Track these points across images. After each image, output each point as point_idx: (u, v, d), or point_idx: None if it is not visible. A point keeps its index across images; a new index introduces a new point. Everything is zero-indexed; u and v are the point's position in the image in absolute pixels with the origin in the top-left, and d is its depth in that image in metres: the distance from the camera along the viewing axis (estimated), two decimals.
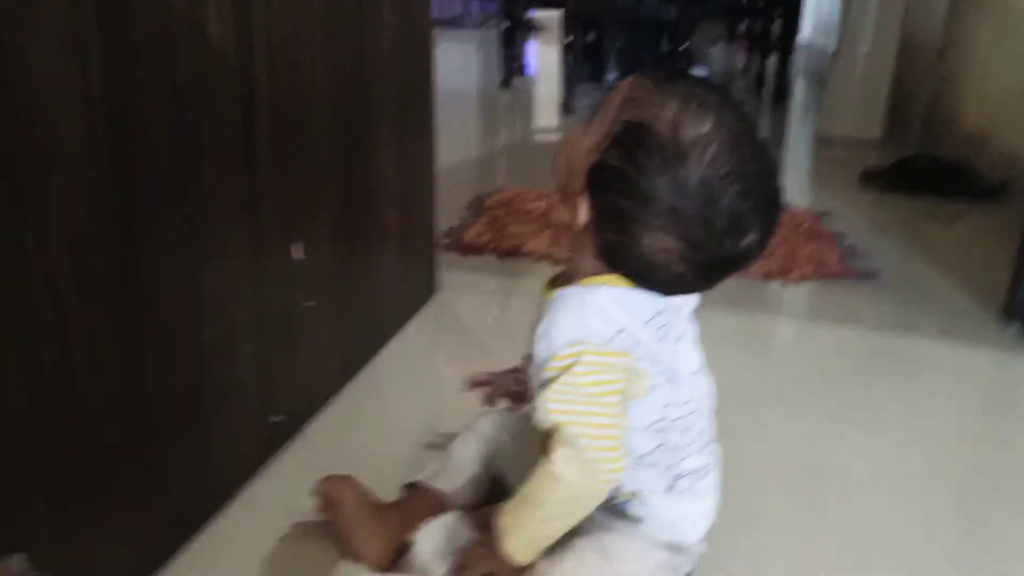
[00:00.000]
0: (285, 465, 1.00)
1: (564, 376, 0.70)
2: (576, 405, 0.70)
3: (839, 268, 1.64)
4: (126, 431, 0.75)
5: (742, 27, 4.70)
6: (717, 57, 5.01)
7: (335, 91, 1.06)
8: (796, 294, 1.57)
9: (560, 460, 0.70)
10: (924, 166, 2.32)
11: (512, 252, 1.67)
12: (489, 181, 2.22)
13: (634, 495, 0.77)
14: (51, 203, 0.64)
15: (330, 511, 0.84)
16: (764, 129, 3.31)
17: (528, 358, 0.78)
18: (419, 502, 0.86)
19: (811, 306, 1.53)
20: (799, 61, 4.52)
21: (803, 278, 1.60)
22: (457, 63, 4.65)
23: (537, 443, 0.79)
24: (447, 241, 1.71)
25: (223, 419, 0.90)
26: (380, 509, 0.85)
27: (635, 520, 0.78)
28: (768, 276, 1.61)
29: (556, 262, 1.53)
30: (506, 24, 3.76)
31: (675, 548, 0.80)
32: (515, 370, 0.91)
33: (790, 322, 1.46)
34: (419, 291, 1.41)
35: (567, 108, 3.19)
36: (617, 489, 0.77)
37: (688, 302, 0.79)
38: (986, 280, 1.54)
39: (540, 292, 0.78)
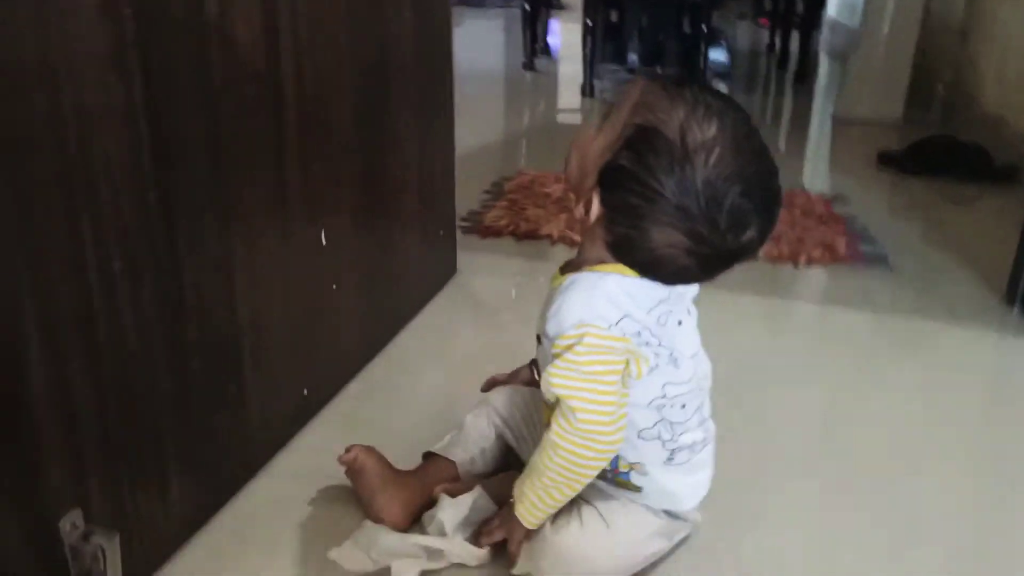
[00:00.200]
0: (314, 434, 1.07)
1: (568, 354, 0.76)
2: (576, 381, 0.76)
3: (848, 252, 1.68)
4: (171, 401, 0.83)
5: (767, 5, 4.66)
6: (740, 36, 4.98)
7: (357, 85, 1.12)
8: (804, 277, 1.61)
9: (559, 430, 0.76)
10: (941, 148, 2.33)
11: (530, 235, 1.72)
12: (510, 164, 2.27)
13: (635, 466, 0.84)
14: (101, 198, 0.72)
15: (354, 477, 0.92)
16: (784, 109, 3.32)
17: (537, 338, 0.84)
18: (435, 470, 0.94)
19: (817, 289, 1.57)
20: (824, 39, 4.48)
21: (811, 262, 1.64)
22: (481, 43, 4.67)
23: (545, 417, 0.86)
24: (467, 224, 1.77)
25: (258, 391, 0.97)
26: (399, 476, 0.92)
27: (635, 490, 0.85)
28: (778, 260, 1.65)
29: (572, 244, 1.58)
30: (528, 4, 3.77)
31: (671, 516, 0.87)
32: (533, 361, 0.97)
33: (796, 304, 1.50)
34: (439, 273, 1.48)
35: (587, 90, 3.21)
36: (619, 460, 0.83)
37: (690, 290, 0.85)
38: (995, 264, 1.56)
39: (552, 278, 0.84)
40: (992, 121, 2.51)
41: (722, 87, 3.51)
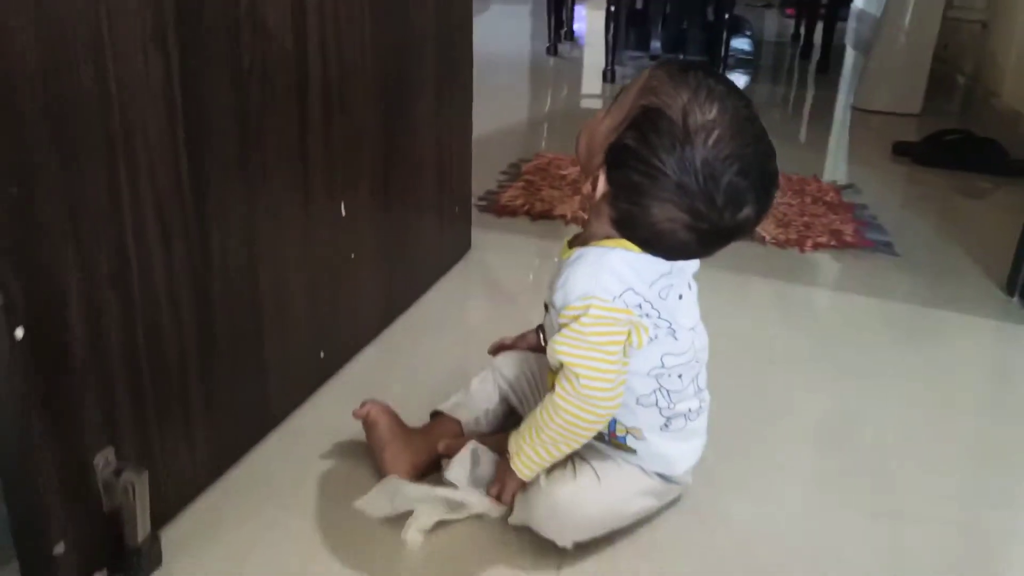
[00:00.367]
0: (330, 395, 1.14)
1: (574, 324, 0.81)
2: (581, 350, 0.81)
3: (854, 239, 1.71)
4: (197, 354, 0.89)
5: None
6: (768, 25, 4.97)
7: (379, 67, 1.17)
8: (808, 262, 1.65)
9: (563, 393, 0.82)
10: (957, 141, 2.35)
11: (544, 215, 1.78)
12: (529, 147, 2.32)
13: (632, 431, 0.89)
14: (139, 166, 0.78)
15: (367, 431, 0.98)
16: (804, 99, 3.33)
17: (545, 307, 0.90)
18: (441, 429, 1.00)
19: (821, 273, 1.61)
20: (851, 31, 4.48)
21: (817, 247, 1.68)
22: (507, 28, 4.70)
23: (548, 380, 0.91)
24: (484, 203, 1.83)
25: (277, 351, 1.03)
26: (408, 433, 0.98)
27: (630, 452, 0.90)
28: (786, 244, 1.70)
29: (583, 224, 1.63)
30: None
31: (663, 478, 0.92)
32: (540, 327, 1.03)
33: (798, 288, 1.54)
34: (454, 248, 1.54)
35: (609, 76, 3.24)
36: (617, 425, 0.89)
37: (691, 266, 0.90)
38: (1001, 255, 1.58)
39: (560, 251, 0.90)
40: (1010, 116, 2.51)
41: (744, 75, 3.53)
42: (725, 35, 3.00)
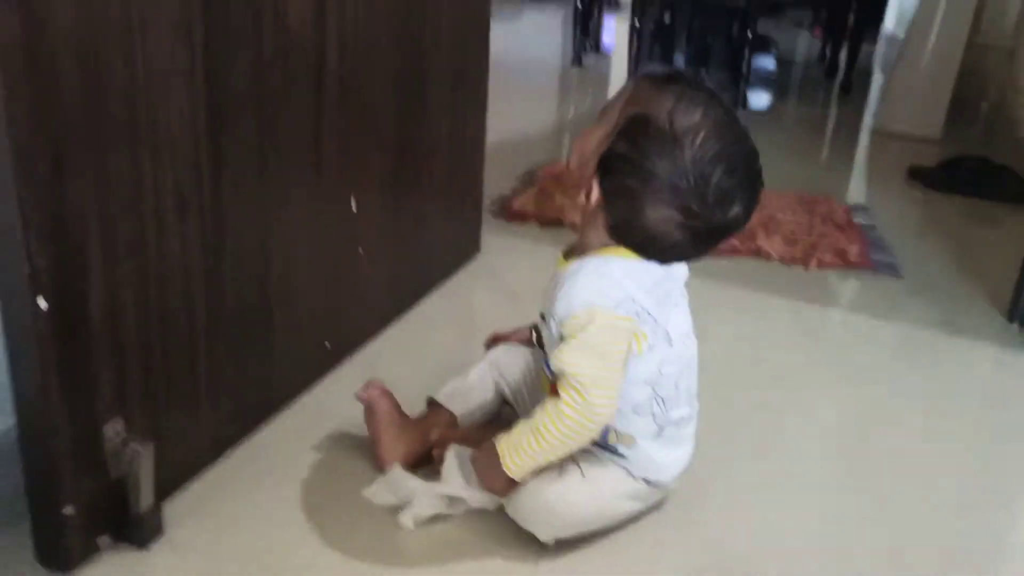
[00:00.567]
0: (333, 384, 1.18)
1: (579, 334, 0.84)
2: (586, 359, 0.84)
3: (859, 259, 1.73)
4: (206, 334, 0.94)
5: (823, 16, 4.66)
6: (798, 44, 4.98)
7: (395, 66, 1.22)
8: (811, 279, 1.67)
9: (570, 402, 0.84)
10: (973, 167, 2.35)
11: (554, 222, 1.81)
12: (545, 155, 2.35)
13: (624, 437, 0.91)
14: (161, 150, 0.83)
15: (367, 413, 1.01)
16: (826, 119, 3.34)
17: (541, 316, 0.93)
18: (436, 419, 1.03)
19: (822, 291, 1.62)
20: (880, 54, 4.47)
21: (822, 265, 1.71)
22: (537, 36, 4.74)
23: (542, 379, 0.94)
24: (496, 208, 1.87)
25: (284, 337, 1.08)
26: (406, 422, 1.01)
27: (621, 457, 0.93)
28: (791, 261, 1.72)
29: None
30: (580, 1, 3.83)
31: (649, 482, 0.94)
32: (534, 325, 1.06)
33: (799, 304, 1.55)
34: (462, 249, 1.58)
35: None
36: (611, 431, 0.91)
37: (682, 275, 0.94)
38: (1006, 282, 1.58)
39: (556, 262, 0.93)
40: None
41: (766, 92, 3.55)
42: (747, 52, 3.02)
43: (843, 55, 3.64)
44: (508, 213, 1.85)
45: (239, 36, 0.90)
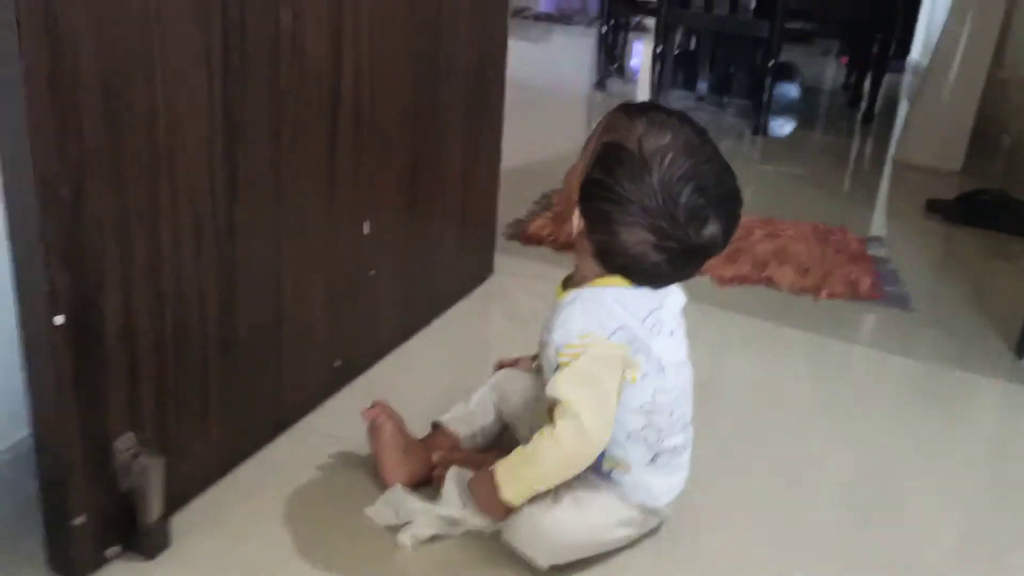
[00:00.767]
0: (341, 402, 1.20)
1: (575, 363, 0.87)
2: (582, 387, 0.86)
3: (869, 291, 1.74)
4: (218, 352, 0.97)
5: (848, 45, 4.67)
6: (821, 72, 4.98)
7: (411, 92, 1.25)
8: (820, 309, 1.67)
9: (563, 428, 0.86)
10: (992, 201, 2.35)
11: (569, 245, 1.83)
12: (563, 178, 2.38)
13: (619, 465, 0.93)
14: (178, 175, 0.86)
15: (372, 433, 1.03)
16: (847, 150, 3.34)
17: (541, 344, 0.95)
18: (439, 441, 1.05)
19: (830, 322, 1.62)
20: (907, 84, 4.46)
21: (832, 296, 1.71)
22: (563, 60, 4.79)
23: (544, 405, 0.96)
24: (512, 231, 1.90)
25: (294, 356, 1.11)
26: (410, 443, 1.04)
27: (615, 483, 0.94)
28: (801, 291, 1.73)
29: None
30: (606, 26, 3.87)
31: (643, 509, 0.96)
32: (536, 354, 1.08)
33: (806, 335, 1.56)
34: (475, 272, 1.60)
35: None
36: (605, 458, 0.92)
37: (678, 301, 0.95)
38: (1017, 318, 1.58)
39: (556, 292, 0.95)
40: None
41: (788, 121, 3.56)
42: (769, 80, 3.04)
43: (868, 84, 3.64)
44: (523, 236, 1.88)
45: (257, 66, 0.94)
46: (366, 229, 1.20)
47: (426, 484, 1.01)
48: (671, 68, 3.64)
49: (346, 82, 1.09)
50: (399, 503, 0.96)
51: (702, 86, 3.72)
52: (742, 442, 1.21)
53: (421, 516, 0.95)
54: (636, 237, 0.85)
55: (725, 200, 0.86)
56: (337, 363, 1.21)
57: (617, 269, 0.88)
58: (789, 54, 3.89)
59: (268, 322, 1.05)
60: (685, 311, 0.96)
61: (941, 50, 2.85)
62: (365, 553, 0.94)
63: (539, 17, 6.48)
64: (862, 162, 3.18)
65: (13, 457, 0.88)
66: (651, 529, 0.99)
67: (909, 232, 2.25)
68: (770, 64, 3.03)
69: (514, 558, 0.92)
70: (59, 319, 0.76)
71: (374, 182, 1.21)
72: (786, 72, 4.04)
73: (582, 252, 0.90)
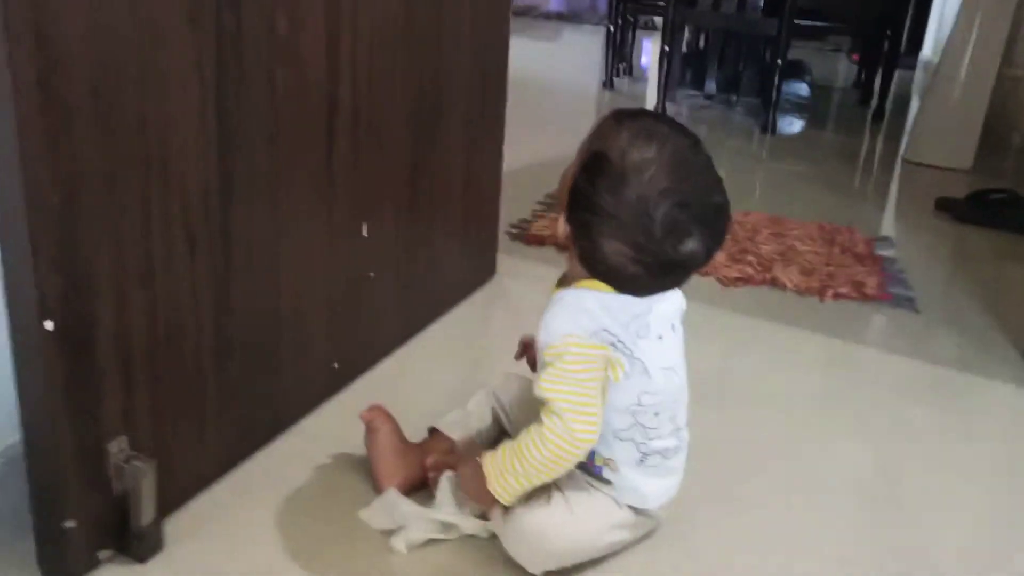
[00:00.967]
0: (339, 405, 1.20)
1: (557, 362, 0.86)
2: (563, 385, 0.86)
3: (875, 292, 1.72)
4: (213, 356, 0.97)
5: (860, 42, 4.64)
6: (834, 70, 4.96)
7: (410, 98, 1.25)
8: (825, 310, 1.66)
9: (551, 427, 0.86)
10: (1002, 200, 2.33)
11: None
12: None
13: (608, 462, 0.93)
14: (171, 180, 0.86)
15: (368, 435, 1.03)
16: (857, 148, 3.32)
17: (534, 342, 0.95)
18: (436, 446, 1.05)
19: (835, 323, 1.61)
20: (919, 81, 4.43)
21: (837, 297, 1.70)
22: (572, 59, 4.78)
23: (538, 409, 0.96)
24: (516, 231, 1.89)
25: (292, 358, 1.10)
26: (405, 446, 1.03)
27: (606, 483, 0.94)
28: (806, 292, 1.72)
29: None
30: (614, 25, 3.86)
31: (636, 511, 0.95)
32: None
33: (809, 335, 1.55)
34: (477, 273, 1.60)
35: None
36: (595, 455, 0.92)
37: (674, 307, 0.94)
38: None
39: (551, 291, 0.95)
40: None
41: (797, 119, 3.54)
42: (777, 78, 3.02)
43: (879, 81, 3.62)
44: (527, 237, 1.87)
45: (252, 73, 0.94)
46: (364, 232, 1.20)
47: (422, 488, 1.01)
48: (680, 67, 3.63)
49: (344, 87, 1.09)
50: (393, 507, 0.96)
51: (711, 84, 3.71)
52: (747, 444, 1.20)
53: (415, 520, 0.95)
54: (613, 248, 0.84)
55: (709, 215, 0.84)
56: (336, 365, 1.21)
57: (599, 276, 0.88)
58: (799, 51, 3.88)
59: (265, 325, 1.05)
60: (689, 312, 0.96)
61: (951, 49, 2.83)
62: (359, 557, 0.93)
63: (549, 16, 6.47)
64: (871, 160, 3.15)
65: (5, 461, 0.88)
66: (645, 533, 0.98)
67: (917, 232, 2.23)
68: (779, 62, 3.01)
69: (508, 563, 0.92)
70: (49, 324, 0.76)
71: (373, 185, 1.20)
72: (795, 70, 4.02)
73: (571, 255, 0.90)
